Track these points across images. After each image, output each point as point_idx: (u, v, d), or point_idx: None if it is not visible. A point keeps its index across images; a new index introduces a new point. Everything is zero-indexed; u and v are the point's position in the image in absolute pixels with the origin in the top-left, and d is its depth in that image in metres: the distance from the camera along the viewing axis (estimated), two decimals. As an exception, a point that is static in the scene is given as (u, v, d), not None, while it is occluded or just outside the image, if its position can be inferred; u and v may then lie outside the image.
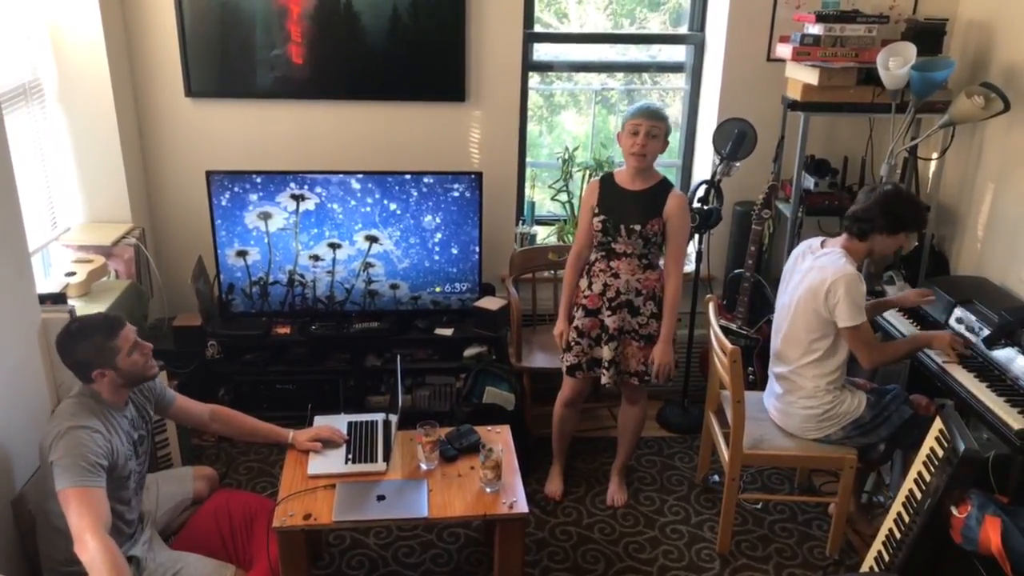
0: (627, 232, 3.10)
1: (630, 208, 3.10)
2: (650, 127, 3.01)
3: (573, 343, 3.27)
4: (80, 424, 2.29)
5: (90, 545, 2.13)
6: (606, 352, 3.19)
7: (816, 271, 2.91)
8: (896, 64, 3.33)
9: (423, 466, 2.75)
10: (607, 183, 3.19)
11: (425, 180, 3.68)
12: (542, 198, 4.26)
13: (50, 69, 3.46)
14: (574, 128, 4.39)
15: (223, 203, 3.63)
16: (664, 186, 3.13)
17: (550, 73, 4.20)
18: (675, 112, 4.35)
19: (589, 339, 3.24)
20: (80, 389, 2.43)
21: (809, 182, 3.81)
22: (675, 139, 4.34)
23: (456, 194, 3.71)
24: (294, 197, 3.65)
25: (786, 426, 3.07)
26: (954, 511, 2.37)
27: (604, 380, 3.23)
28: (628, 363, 3.23)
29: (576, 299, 3.28)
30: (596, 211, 3.16)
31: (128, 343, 2.41)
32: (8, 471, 2.52)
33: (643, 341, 3.19)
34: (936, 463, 2.44)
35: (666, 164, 4.38)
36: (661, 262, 3.22)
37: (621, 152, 3.15)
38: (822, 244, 3.02)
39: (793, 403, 3.03)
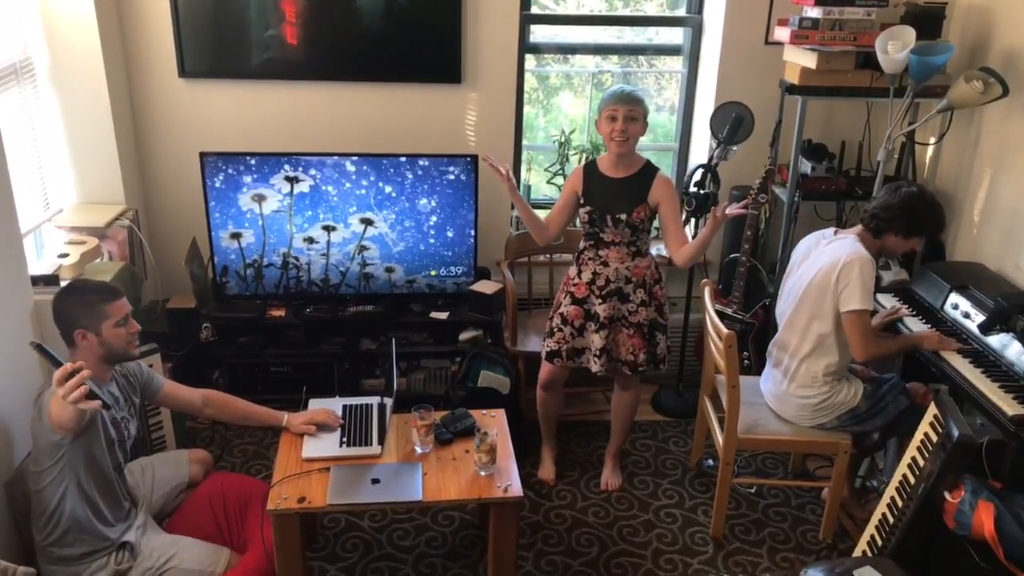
0: (613, 222, 3.08)
1: (615, 197, 3.08)
2: (627, 111, 2.98)
3: (556, 329, 3.26)
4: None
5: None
6: (597, 340, 3.19)
7: (828, 255, 2.89)
8: (895, 48, 3.31)
9: (418, 449, 2.75)
10: (591, 171, 3.16)
11: (420, 163, 3.66)
12: (538, 181, 4.24)
13: (41, 48, 3.42)
14: (571, 111, 4.36)
15: (217, 185, 3.61)
16: (648, 171, 3.10)
17: (546, 55, 4.17)
18: (672, 95, 4.32)
19: (572, 328, 3.23)
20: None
21: (806, 167, 3.80)
22: (672, 122, 4.32)
23: (452, 177, 3.69)
24: (288, 179, 3.63)
25: (782, 413, 3.07)
26: (947, 496, 2.38)
27: (595, 368, 3.22)
28: (619, 351, 3.22)
29: (565, 286, 3.27)
30: (582, 201, 3.14)
31: (119, 314, 2.41)
32: (1, 453, 2.51)
33: (633, 329, 3.19)
34: (930, 448, 2.45)
35: (662, 148, 4.36)
36: (656, 249, 3.20)
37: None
38: (835, 233, 3.01)
39: (789, 392, 3.03)
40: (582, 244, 3.23)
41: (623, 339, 3.21)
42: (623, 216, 3.06)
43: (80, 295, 2.40)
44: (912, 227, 2.88)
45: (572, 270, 3.26)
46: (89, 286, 2.47)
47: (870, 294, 2.82)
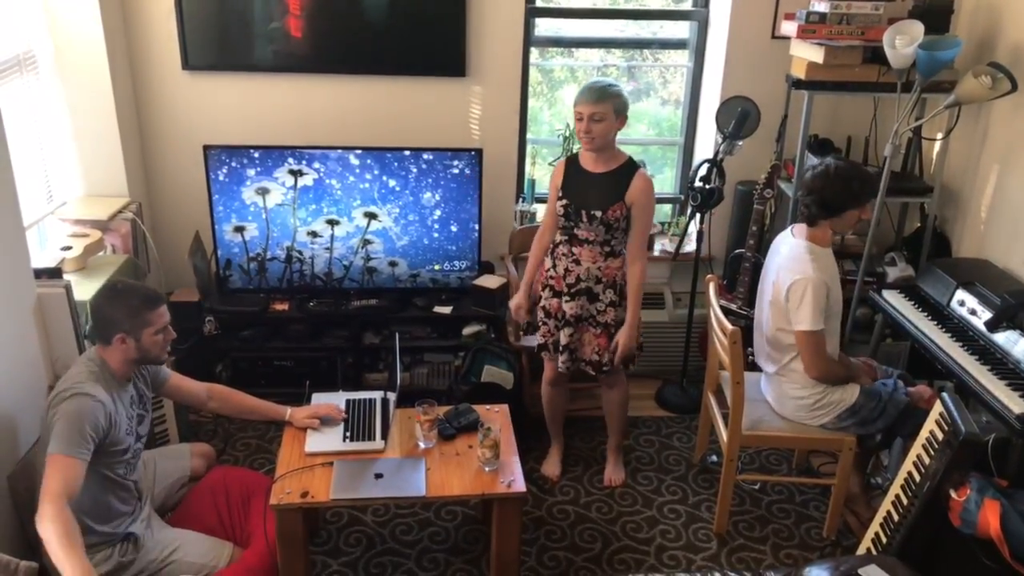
0: (588, 218, 3.03)
1: (592, 192, 3.03)
2: (592, 113, 2.91)
3: (540, 323, 3.25)
4: (88, 392, 2.28)
5: (47, 511, 2.11)
6: (562, 337, 3.17)
7: (782, 266, 2.88)
8: (902, 43, 3.29)
9: (421, 444, 2.74)
10: (571, 164, 3.12)
11: (424, 156, 3.65)
12: (542, 175, 4.22)
13: (45, 40, 3.41)
14: (575, 105, 4.35)
15: (220, 178, 3.60)
16: (628, 168, 3.04)
17: (550, 48, 4.15)
18: (677, 90, 4.30)
19: (555, 320, 3.21)
20: (89, 355, 2.41)
21: (812, 162, 3.77)
22: (677, 117, 4.30)
23: (456, 171, 3.68)
24: (292, 172, 3.62)
25: (782, 412, 3.06)
26: (953, 494, 2.37)
27: (559, 366, 3.21)
28: (583, 350, 3.19)
29: (541, 279, 3.25)
30: (560, 194, 3.09)
31: (161, 321, 2.43)
32: (4, 447, 2.50)
33: (600, 328, 3.16)
34: (936, 446, 2.43)
35: (668, 142, 4.34)
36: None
37: None
38: (793, 232, 2.98)
39: (785, 393, 3.01)
40: (557, 237, 3.17)
41: (589, 339, 3.18)
42: (597, 213, 3.01)
43: (125, 299, 2.37)
44: (831, 208, 2.82)
45: (547, 262, 3.21)
46: (135, 291, 2.44)
47: (820, 316, 2.79)
